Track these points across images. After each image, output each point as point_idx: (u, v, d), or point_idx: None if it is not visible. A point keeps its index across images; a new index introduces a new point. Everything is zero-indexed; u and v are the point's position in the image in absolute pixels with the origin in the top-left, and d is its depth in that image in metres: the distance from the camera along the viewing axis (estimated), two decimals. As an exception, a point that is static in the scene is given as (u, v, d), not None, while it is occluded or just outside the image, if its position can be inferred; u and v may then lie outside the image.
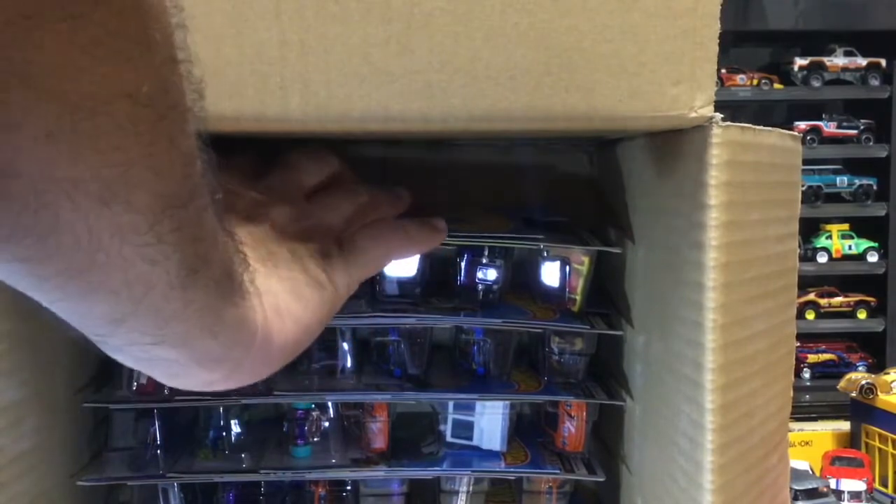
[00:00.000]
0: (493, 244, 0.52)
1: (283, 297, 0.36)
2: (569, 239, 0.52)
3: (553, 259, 0.53)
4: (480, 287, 0.53)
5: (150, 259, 0.25)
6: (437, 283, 0.54)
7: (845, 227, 2.66)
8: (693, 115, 0.37)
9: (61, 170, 0.22)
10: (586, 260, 0.52)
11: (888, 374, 1.81)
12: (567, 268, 0.53)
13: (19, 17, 0.19)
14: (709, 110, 0.37)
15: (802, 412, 2.10)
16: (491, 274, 0.53)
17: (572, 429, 0.54)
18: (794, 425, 1.84)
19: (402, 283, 0.52)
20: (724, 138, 0.37)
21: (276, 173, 0.42)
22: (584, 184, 0.60)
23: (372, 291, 0.51)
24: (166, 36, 0.23)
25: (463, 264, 0.53)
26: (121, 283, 0.25)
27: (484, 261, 0.53)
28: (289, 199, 0.40)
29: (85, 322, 0.27)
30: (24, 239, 0.23)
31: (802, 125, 2.58)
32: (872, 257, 2.65)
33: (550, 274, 0.53)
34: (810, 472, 1.69)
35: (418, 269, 0.51)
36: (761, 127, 0.41)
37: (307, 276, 0.38)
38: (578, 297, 0.52)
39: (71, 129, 0.21)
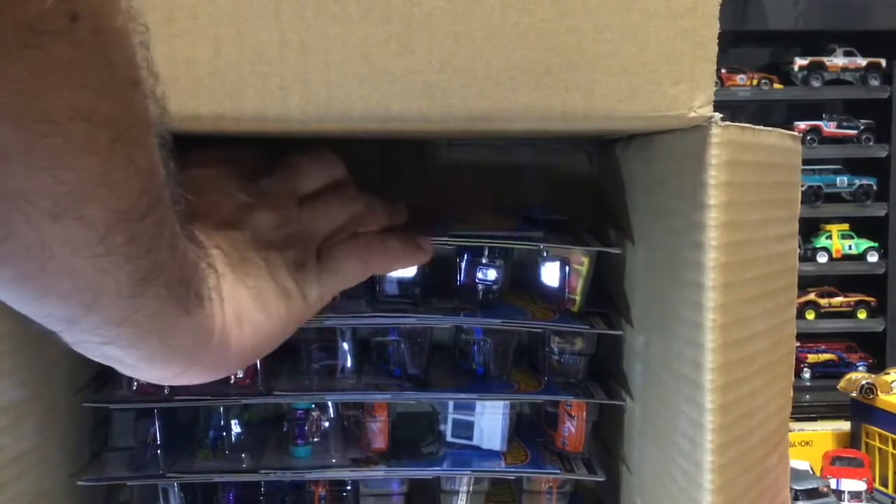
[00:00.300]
0: (492, 244, 0.52)
1: (247, 304, 0.36)
2: (568, 239, 0.52)
3: (553, 259, 0.53)
4: (480, 287, 0.53)
5: (100, 268, 0.26)
6: (437, 283, 0.54)
7: (845, 227, 2.66)
8: (692, 115, 0.37)
9: (14, 185, 0.22)
10: (586, 260, 0.52)
11: (888, 374, 1.81)
12: (567, 268, 0.53)
13: None
14: (708, 110, 0.37)
15: (802, 412, 2.10)
16: (491, 274, 0.53)
17: (572, 429, 0.54)
18: (794, 425, 1.84)
19: (402, 283, 0.52)
20: (723, 138, 0.37)
21: (275, 174, 0.42)
22: (584, 184, 0.60)
23: (372, 291, 0.51)
24: (127, 58, 0.23)
25: (463, 264, 0.53)
26: (71, 290, 0.26)
27: (484, 261, 0.53)
28: (277, 205, 0.40)
29: (41, 319, 0.27)
30: None
31: (802, 125, 2.58)
32: (872, 257, 2.65)
33: (550, 274, 0.53)
34: (810, 472, 1.69)
35: (418, 269, 0.51)
36: (761, 127, 0.41)
37: (276, 286, 0.38)
38: (578, 298, 0.52)
39: (25, 148, 0.22)
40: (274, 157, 0.43)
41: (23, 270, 0.24)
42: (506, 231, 0.51)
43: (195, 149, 0.40)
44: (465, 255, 0.53)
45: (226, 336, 0.34)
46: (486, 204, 0.57)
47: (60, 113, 0.22)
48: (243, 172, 0.41)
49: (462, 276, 0.53)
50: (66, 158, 0.23)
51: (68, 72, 0.21)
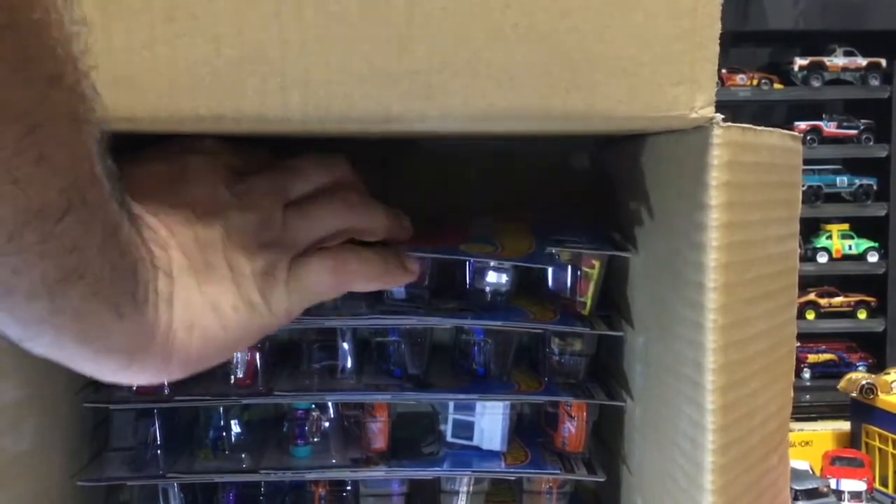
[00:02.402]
0: (503, 259, 0.51)
1: (201, 313, 0.35)
2: (580, 242, 0.52)
3: (564, 262, 0.53)
4: (489, 290, 0.53)
5: (11, 267, 0.25)
6: (447, 286, 0.53)
7: (845, 227, 2.66)
8: (693, 115, 0.37)
9: None
10: (597, 264, 0.52)
11: (888, 374, 1.81)
12: (578, 271, 0.52)
13: None
14: (709, 111, 0.37)
15: (802, 412, 2.10)
16: (501, 278, 0.52)
17: (572, 429, 0.54)
18: (794, 425, 1.84)
19: (411, 286, 0.51)
20: (724, 139, 0.37)
21: (267, 174, 0.40)
22: (584, 184, 0.60)
23: (376, 292, 0.51)
24: (46, 51, 0.23)
25: (472, 268, 0.53)
26: None
27: (493, 264, 0.52)
28: (260, 206, 0.38)
29: None
30: None
31: (802, 125, 2.59)
32: (872, 257, 2.65)
33: (561, 277, 0.53)
34: (810, 472, 1.69)
35: (427, 275, 0.50)
36: (762, 127, 0.41)
37: (237, 297, 0.36)
38: (588, 301, 0.52)
39: None
40: (279, 156, 0.42)
41: None
42: (516, 259, 0.49)
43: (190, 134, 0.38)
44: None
45: (169, 343, 0.33)
46: (491, 205, 0.56)
47: None
48: (234, 167, 0.39)
49: (471, 280, 0.53)
50: None
51: None
